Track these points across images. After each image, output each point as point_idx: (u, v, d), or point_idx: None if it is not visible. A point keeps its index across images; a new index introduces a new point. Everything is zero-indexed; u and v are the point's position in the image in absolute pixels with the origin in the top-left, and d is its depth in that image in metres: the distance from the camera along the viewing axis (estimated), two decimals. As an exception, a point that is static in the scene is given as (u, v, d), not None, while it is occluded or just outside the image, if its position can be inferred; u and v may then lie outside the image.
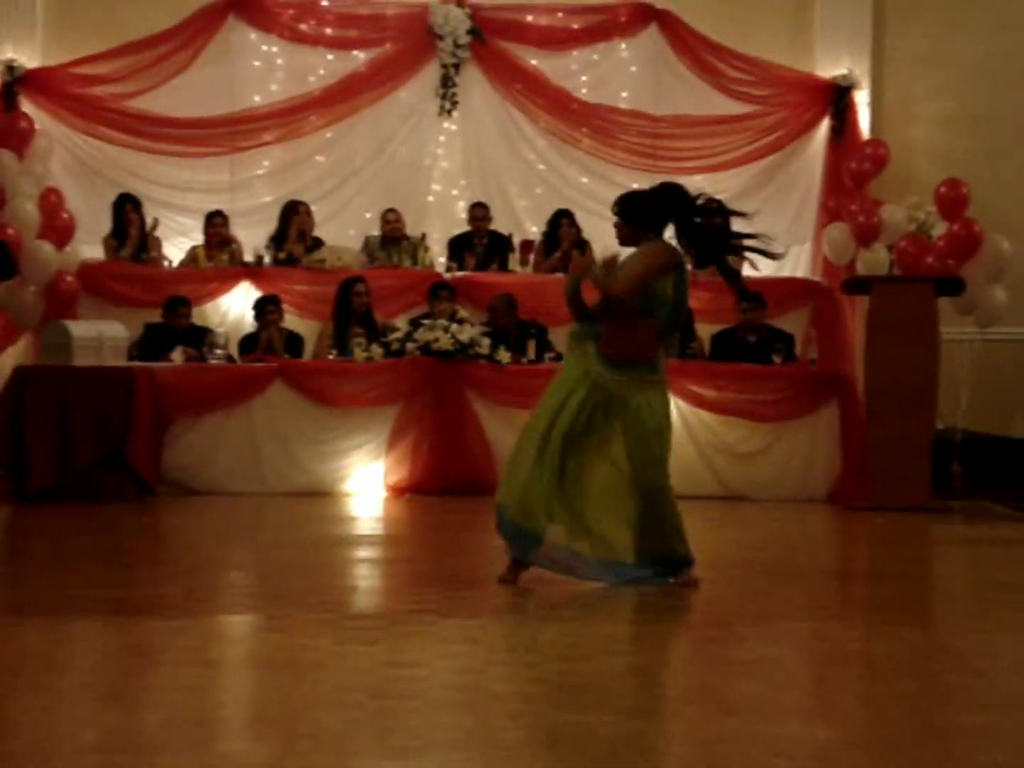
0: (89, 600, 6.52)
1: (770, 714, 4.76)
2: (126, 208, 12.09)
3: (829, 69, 12.83)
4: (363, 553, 8.22)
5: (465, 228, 12.57)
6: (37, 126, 12.31)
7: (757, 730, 4.53)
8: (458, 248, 12.42)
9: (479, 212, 12.50)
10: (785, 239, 12.70)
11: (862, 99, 12.81)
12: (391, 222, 12.37)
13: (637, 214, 6.87)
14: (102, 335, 10.61)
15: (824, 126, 12.84)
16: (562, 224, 12.26)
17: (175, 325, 11.23)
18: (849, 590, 7.64)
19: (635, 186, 12.42)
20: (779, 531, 9.44)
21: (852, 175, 12.35)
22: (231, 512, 9.81)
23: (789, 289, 12.06)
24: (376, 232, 12.50)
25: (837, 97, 12.74)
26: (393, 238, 12.32)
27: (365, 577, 7.60)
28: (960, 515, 10.08)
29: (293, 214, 12.25)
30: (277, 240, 12.23)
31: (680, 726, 4.55)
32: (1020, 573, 8.06)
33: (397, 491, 10.56)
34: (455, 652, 5.55)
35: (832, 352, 11.58)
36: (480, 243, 12.45)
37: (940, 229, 11.51)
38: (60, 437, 10.12)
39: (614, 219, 6.93)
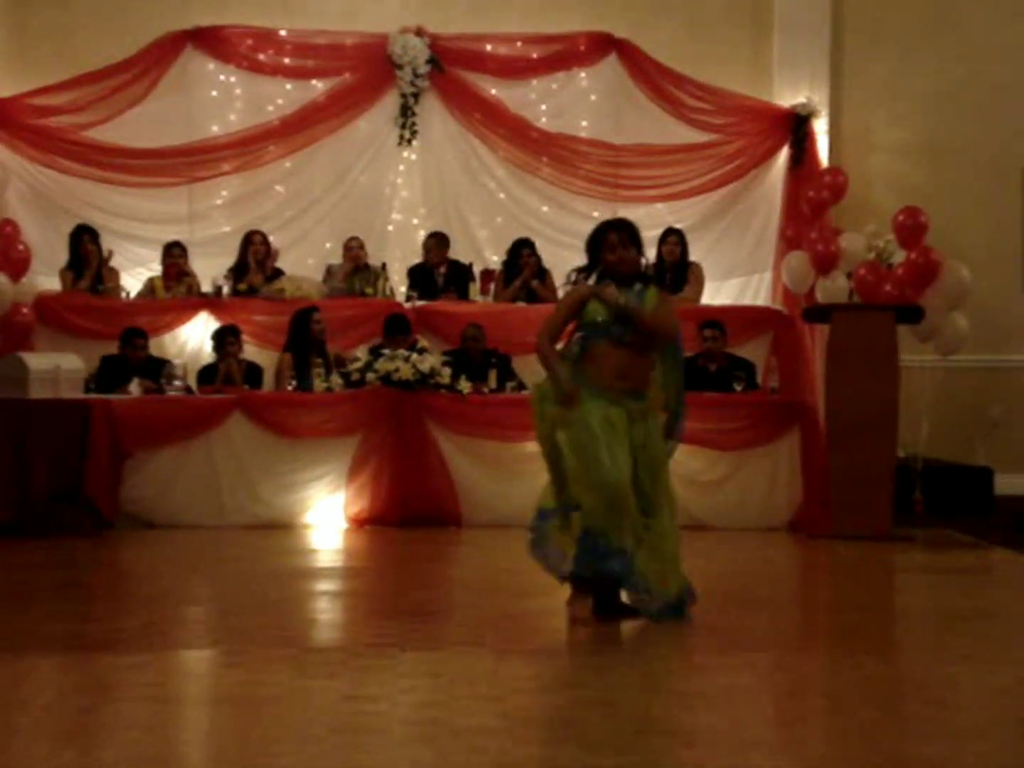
0: (46, 636, 6.47)
1: (732, 746, 4.75)
2: (83, 239, 12.03)
3: (788, 98, 12.89)
4: (323, 586, 8.17)
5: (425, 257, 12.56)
6: (-8, 157, 12.29)
7: (719, 763, 4.52)
8: (418, 278, 12.39)
9: (431, 243, 12.49)
10: (745, 267, 12.89)
11: (821, 128, 12.88)
12: (353, 249, 12.34)
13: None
14: (58, 368, 10.53)
15: (783, 155, 12.89)
16: (522, 253, 12.26)
17: (132, 357, 11.15)
18: (811, 620, 7.65)
19: (596, 214, 12.58)
20: (741, 560, 9.42)
21: (811, 203, 12.40)
22: (190, 545, 9.73)
23: (749, 317, 12.09)
24: (337, 261, 12.47)
25: (796, 126, 12.79)
26: (355, 266, 12.29)
27: (325, 610, 7.54)
28: (922, 543, 10.08)
29: (250, 244, 12.22)
30: (237, 270, 12.19)
31: (642, 759, 4.52)
32: (982, 601, 8.06)
33: (358, 522, 10.50)
34: (415, 686, 5.52)
35: (793, 380, 11.59)
36: (438, 272, 12.43)
37: (899, 257, 11.56)
38: (17, 471, 10.02)
39: (620, 249, 6.84)
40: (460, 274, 12.43)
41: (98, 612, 7.34)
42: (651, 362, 6.87)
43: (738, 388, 10.96)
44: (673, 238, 12.14)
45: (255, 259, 12.20)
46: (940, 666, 6.06)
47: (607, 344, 6.77)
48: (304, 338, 11.29)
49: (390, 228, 12.91)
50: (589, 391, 6.73)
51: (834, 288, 11.87)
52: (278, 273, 12.22)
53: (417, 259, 12.61)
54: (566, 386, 6.72)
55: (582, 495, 6.71)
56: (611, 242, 6.85)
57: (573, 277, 7.04)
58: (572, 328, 6.95)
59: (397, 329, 11.39)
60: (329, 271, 12.46)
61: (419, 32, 12.81)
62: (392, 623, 6.83)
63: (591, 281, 6.91)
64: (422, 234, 12.73)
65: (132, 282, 12.33)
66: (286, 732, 4.80)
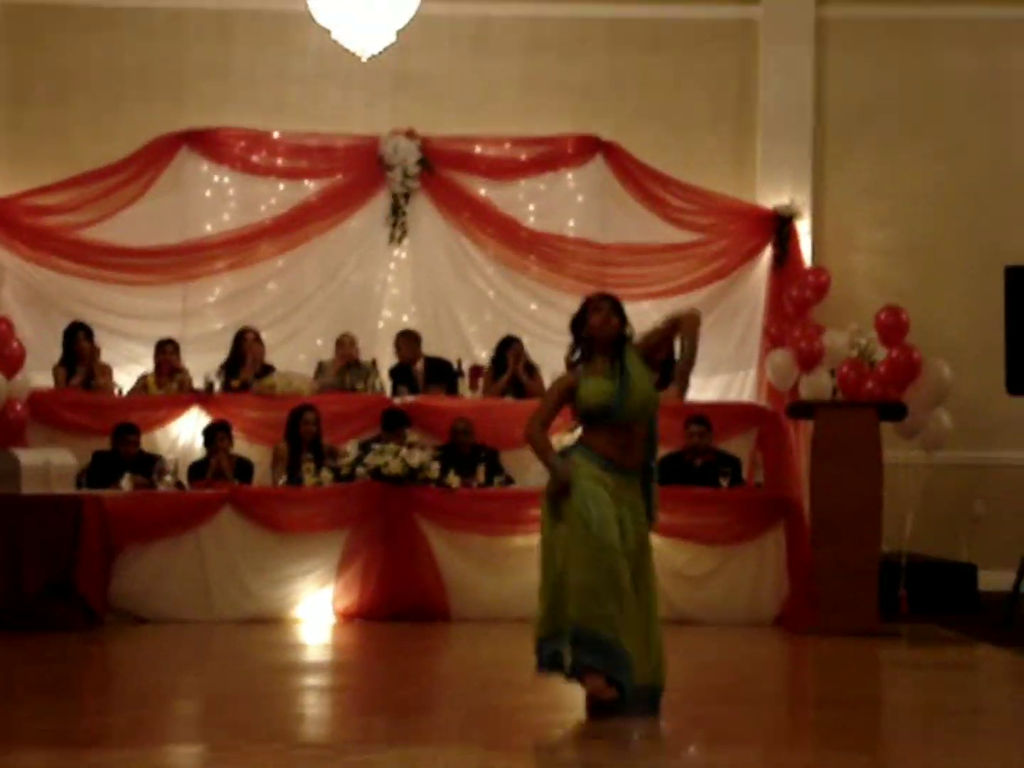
0: (35, 732, 6.47)
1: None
2: (78, 336, 12.13)
3: (771, 199, 13.06)
4: (311, 680, 8.18)
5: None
6: (-12, 256, 12.43)
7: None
8: (400, 376, 12.47)
9: (401, 342, 12.61)
10: (730, 365, 12.99)
11: (804, 228, 13.03)
12: (345, 345, 12.44)
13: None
14: (50, 463, 10.58)
15: (767, 254, 13.05)
16: (510, 350, 12.36)
17: (124, 452, 11.21)
18: (798, 715, 7.66)
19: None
20: (727, 655, 9.44)
21: (794, 302, 12.55)
22: (179, 640, 9.74)
23: (735, 413, 12.18)
24: (328, 357, 12.57)
25: (779, 226, 12.96)
26: (347, 362, 12.39)
27: (313, 705, 7.55)
28: (907, 639, 10.11)
29: (243, 341, 12.33)
30: (229, 367, 12.28)
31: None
32: (967, 697, 8.08)
33: (346, 617, 10.52)
34: (403, 782, 5.54)
35: (778, 475, 11.67)
36: (415, 370, 12.50)
37: (881, 355, 11.67)
38: (8, 566, 10.04)
39: (603, 318, 6.93)
40: (440, 370, 12.51)
41: (87, 707, 7.34)
42: (646, 431, 6.94)
43: (724, 483, 11.03)
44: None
45: (251, 357, 12.28)
46: (927, 761, 6.05)
47: (606, 426, 6.85)
48: (295, 435, 11.37)
49: (380, 325, 13.01)
50: (585, 457, 6.81)
51: (818, 385, 11.98)
52: (269, 369, 12.31)
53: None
54: (560, 474, 6.79)
55: (575, 572, 6.65)
56: (595, 305, 6.95)
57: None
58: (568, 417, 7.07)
59: (397, 422, 11.46)
60: (320, 367, 12.55)
61: (410, 134, 12.99)
62: (379, 718, 6.85)
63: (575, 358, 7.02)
64: (400, 332, 12.82)
65: (125, 378, 12.40)
66: (274, 828, 4.82)
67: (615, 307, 6.97)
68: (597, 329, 6.92)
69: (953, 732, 6.84)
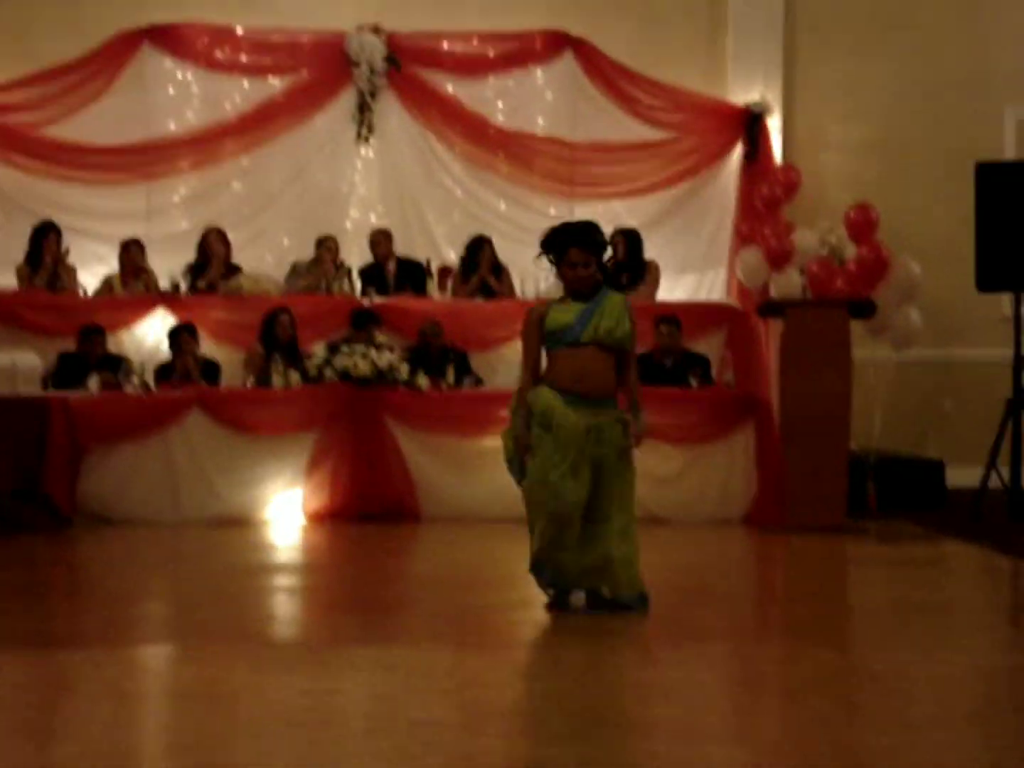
0: (4, 632, 6.47)
1: (687, 737, 4.80)
2: (49, 236, 12.00)
3: (741, 96, 12.99)
4: (281, 581, 8.20)
5: (379, 255, 12.60)
6: (-51, 156, 12.26)
7: (674, 753, 4.57)
8: (370, 276, 12.41)
9: (376, 238, 12.52)
10: (700, 264, 12.97)
11: (774, 125, 12.98)
12: (333, 250, 12.34)
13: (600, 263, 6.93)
14: (16, 365, 10.52)
15: (737, 152, 12.99)
16: (479, 249, 12.30)
17: (90, 354, 11.14)
18: (766, 612, 7.71)
19: (552, 211, 12.66)
20: (696, 554, 9.50)
21: (764, 200, 12.50)
22: (148, 541, 9.74)
23: (704, 313, 12.16)
24: (297, 258, 12.48)
25: (750, 123, 12.89)
26: (329, 265, 12.31)
27: (282, 606, 7.57)
28: (875, 535, 10.19)
29: (207, 241, 12.24)
30: (196, 268, 12.19)
31: (597, 750, 4.57)
32: (935, 593, 8.14)
33: (316, 518, 10.53)
34: (372, 679, 5.57)
35: (748, 375, 11.67)
36: (387, 269, 12.45)
37: (851, 253, 11.67)
38: (-26, 469, 10.02)
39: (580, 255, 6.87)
40: (410, 271, 12.45)
41: (57, 608, 7.36)
42: (612, 364, 6.88)
43: (693, 383, 11.04)
44: (619, 237, 12.07)
45: (215, 256, 12.20)
46: (894, 657, 6.11)
47: (566, 348, 6.83)
48: (271, 338, 11.30)
49: (348, 225, 12.93)
50: (554, 394, 6.80)
51: (788, 284, 11.97)
52: (236, 270, 12.23)
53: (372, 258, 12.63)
54: (520, 439, 6.86)
55: (536, 520, 6.87)
56: (571, 260, 6.83)
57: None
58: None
59: (366, 320, 11.40)
60: (294, 268, 12.46)
61: (376, 29, 12.83)
62: (349, 618, 6.87)
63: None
64: (375, 229, 12.74)
65: (90, 279, 12.29)
66: (243, 726, 4.84)
67: (594, 253, 6.85)
68: (572, 284, 6.88)
69: (920, 627, 6.92)
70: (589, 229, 6.95)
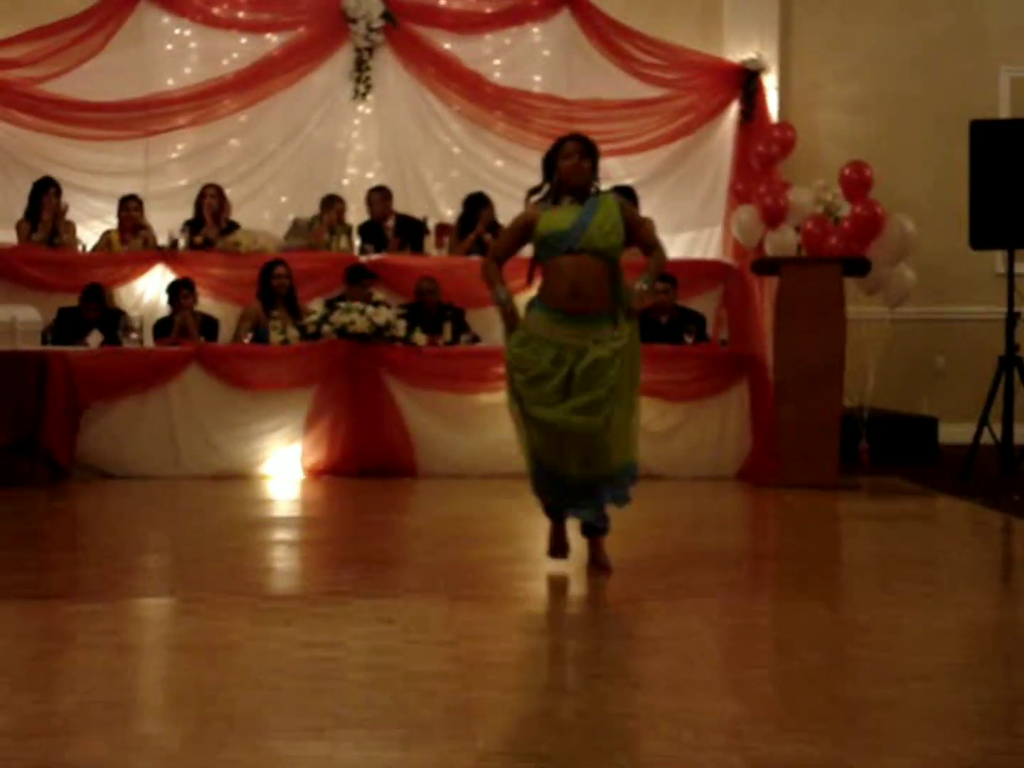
0: (3, 584, 6.53)
1: (679, 689, 4.87)
2: (49, 192, 12.01)
3: (738, 53, 12.96)
4: (279, 535, 8.25)
5: (378, 213, 12.61)
6: (-53, 111, 12.25)
7: (666, 705, 4.64)
8: (369, 233, 12.44)
9: (375, 197, 12.52)
10: (695, 222, 12.99)
11: (770, 83, 12.96)
12: (341, 211, 12.37)
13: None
14: (15, 319, 10.54)
15: (733, 110, 12.97)
16: (476, 207, 12.31)
17: (89, 311, 11.18)
18: (758, 566, 7.75)
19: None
20: (690, 509, 9.55)
21: (760, 158, 12.51)
22: (147, 496, 9.79)
23: (700, 270, 12.20)
24: (297, 215, 12.50)
25: (746, 81, 12.87)
26: (330, 224, 12.33)
27: (281, 559, 7.63)
28: (867, 491, 10.23)
29: (204, 197, 12.27)
30: (193, 224, 12.21)
31: (591, 702, 4.64)
32: (925, 548, 8.21)
33: (314, 473, 10.59)
34: (370, 632, 5.62)
35: (742, 332, 11.71)
36: (386, 227, 12.47)
37: (846, 211, 11.68)
38: (-27, 422, 10.07)
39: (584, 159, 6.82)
40: (410, 228, 12.47)
41: (57, 561, 7.39)
42: (607, 273, 6.67)
43: (688, 340, 11.08)
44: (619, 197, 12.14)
45: (209, 213, 12.23)
46: (884, 610, 6.17)
47: (560, 258, 6.64)
48: (268, 291, 11.35)
49: (345, 182, 12.91)
50: (542, 315, 6.66)
51: (783, 241, 11.99)
52: (234, 226, 12.25)
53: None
54: (505, 306, 6.71)
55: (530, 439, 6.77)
56: (568, 151, 6.71)
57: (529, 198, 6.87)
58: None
59: (361, 274, 11.45)
60: (295, 224, 12.48)
61: (373, -14, 12.83)
62: (347, 571, 6.92)
63: (535, 199, 6.82)
64: (372, 187, 12.75)
65: (88, 235, 12.32)
66: (242, 678, 4.89)
67: (588, 151, 6.76)
68: (567, 174, 6.72)
69: (910, 582, 6.95)
70: (585, 135, 6.93)
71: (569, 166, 6.72)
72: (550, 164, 6.81)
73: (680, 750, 4.11)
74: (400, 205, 12.63)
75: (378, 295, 11.31)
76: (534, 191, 6.86)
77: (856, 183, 11.56)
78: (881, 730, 4.35)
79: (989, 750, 4.21)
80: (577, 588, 6.55)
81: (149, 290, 11.91)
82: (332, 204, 12.37)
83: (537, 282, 6.87)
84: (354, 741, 4.19)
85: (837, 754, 4.09)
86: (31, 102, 12.58)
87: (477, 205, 12.34)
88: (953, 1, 13.31)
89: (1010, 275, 10.97)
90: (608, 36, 12.92)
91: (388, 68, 12.96)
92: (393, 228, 12.44)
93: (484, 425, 10.48)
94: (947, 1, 13.31)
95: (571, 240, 6.62)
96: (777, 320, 10.58)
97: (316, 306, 11.19)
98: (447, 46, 12.97)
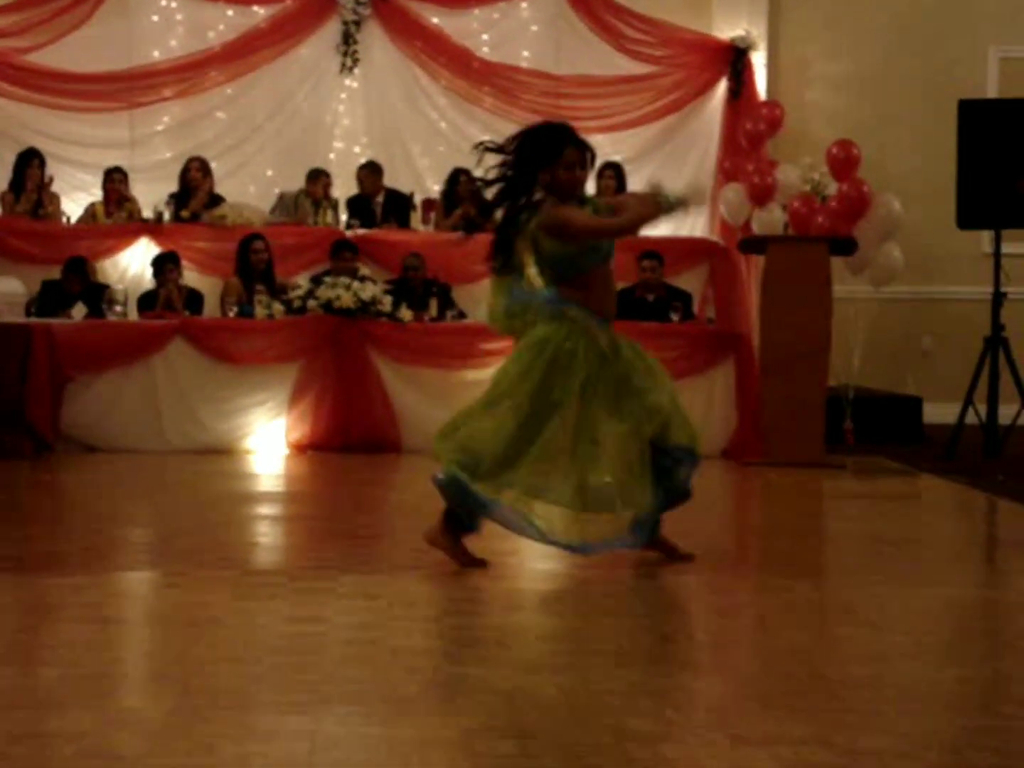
0: (-12, 557, 6.51)
1: (664, 666, 4.88)
2: (32, 163, 11.95)
3: (727, 30, 12.96)
4: (263, 510, 8.25)
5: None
6: (-69, 81, 12.19)
7: (650, 682, 4.64)
8: (357, 207, 12.41)
9: (364, 173, 12.50)
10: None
11: (759, 61, 12.96)
12: (325, 186, 12.32)
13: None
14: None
15: (722, 87, 12.97)
16: (461, 182, 12.28)
17: (72, 284, 11.14)
18: (743, 544, 7.78)
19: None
20: (675, 487, 9.54)
21: (748, 136, 12.50)
22: (131, 469, 9.78)
23: (687, 248, 12.20)
24: (282, 188, 12.46)
25: (734, 58, 12.87)
26: (316, 199, 12.30)
27: (265, 534, 7.62)
28: (852, 470, 10.25)
29: (188, 171, 12.23)
30: (179, 197, 12.17)
31: (575, 679, 4.63)
32: (909, 527, 8.23)
33: (298, 448, 10.58)
34: (354, 607, 5.61)
35: (729, 310, 11.73)
36: (375, 202, 12.44)
37: (833, 190, 11.69)
38: (-44, 394, 10.04)
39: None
40: (398, 203, 12.45)
41: (40, 534, 7.39)
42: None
43: (675, 318, 11.08)
44: (609, 172, 12.17)
45: (192, 186, 12.18)
46: (868, 589, 6.17)
47: (602, 266, 6.29)
48: (246, 266, 11.33)
49: (332, 156, 12.90)
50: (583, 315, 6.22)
51: (770, 220, 11.99)
52: (219, 200, 12.21)
53: (357, 189, 12.61)
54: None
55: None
56: (568, 160, 6.16)
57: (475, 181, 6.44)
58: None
59: (344, 246, 11.42)
60: (281, 198, 12.45)
61: (361, -41, 12.77)
62: (331, 546, 6.92)
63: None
64: (364, 163, 12.72)
65: (73, 207, 12.29)
66: (224, 652, 4.87)
67: (589, 162, 6.31)
68: (566, 185, 6.19)
69: (895, 560, 6.98)
70: (582, 138, 6.39)
71: (570, 178, 6.19)
72: (537, 161, 6.22)
73: (663, 727, 4.11)
74: (387, 180, 12.62)
75: (364, 270, 11.29)
76: (504, 183, 6.31)
77: (843, 162, 11.55)
78: (864, 708, 4.35)
79: (972, 728, 4.22)
80: (560, 565, 6.54)
81: (134, 263, 11.89)
82: (317, 178, 12.34)
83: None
84: (337, 716, 4.18)
85: (820, 731, 4.09)
86: (16, 73, 12.56)
87: (461, 180, 12.29)
88: (943, -22, 13.31)
89: (996, 255, 10.97)
90: (597, 12, 12.90)
91: (375, 42, 12.93)
92: (383, 204, 12.40)
93: (468, 401, 10.45)
94: (937, -23, 13.31)
95: (609, 246, 6.34)
96: (763, 299, 10.59)
97: (302, 281, 11.16)
98: (435, 20, 12.95)
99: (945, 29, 13.25)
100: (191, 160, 12.30)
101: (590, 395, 6.18)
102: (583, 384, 6.17)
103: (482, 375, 10.49)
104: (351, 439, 10.57)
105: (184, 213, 12.04)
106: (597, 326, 6.25)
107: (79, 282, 11.15)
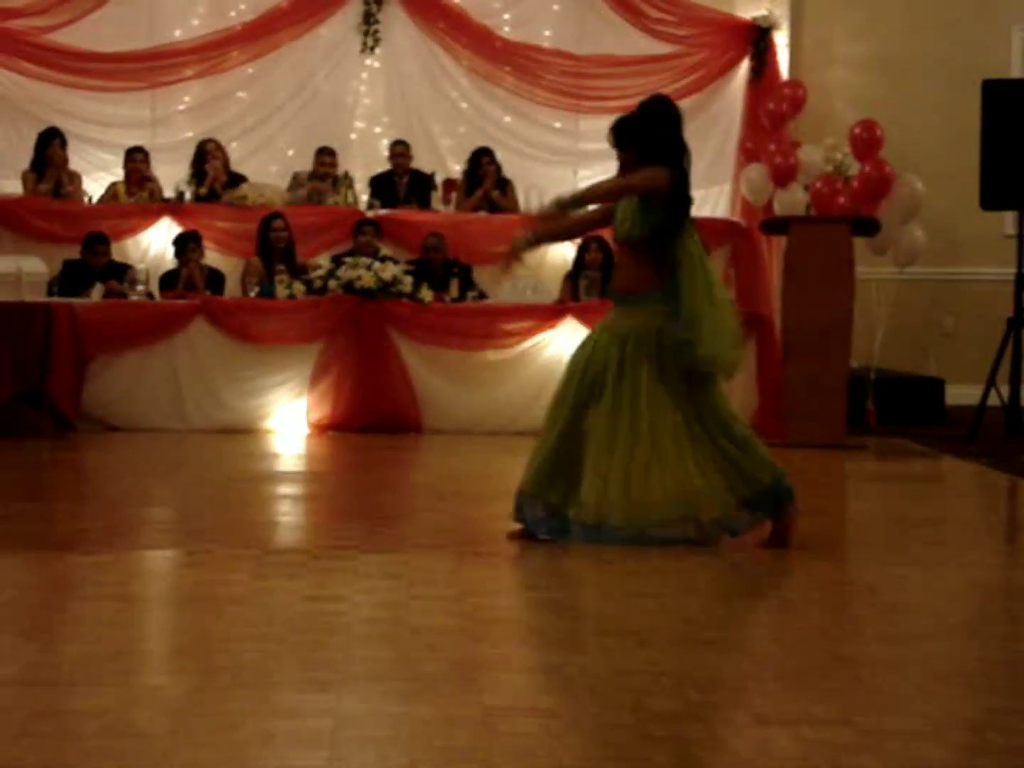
0: (9, 535, 6.53)
1: (686, 645, 4.87)
2: (53, 142, 11.96)
3: (749, 10, 12.88)
4: (285, 489, 8.26)
5: (387, 166, 12.55)
6: (-46, 60, 12.20)
7: (671, 661, 4.64)
8: (380, 186, 12.40)
9: (399, 149, 12.49)
10: (705, 180, 12.89)
11: (781, 40, 12.88)
12: (326, 164, 12.33)
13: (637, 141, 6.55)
14: (21, 270, 10.51)
15: (744, 67, 12.90)
16: (483, 162, 12.27)
17: (93, 263, 11.15)
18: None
19: (558, 125, 12.67)
20: (697, 468, 9.53)
21: (770, 116, 12.43)
22: (152, 448, 9.80)
23: (708, 229, 12.02)
24: (301, 168, 12.46)
25: (757, 38, 12.80)
26: (323, 177, 12.28)
27: (286, 513, 7.64)
28: (873, 452, 10.23)
29: (203, 152, 12.22)
30: (199, 177, 12.17)
31: (596, 658, 4.64)
32: (930, 508, 8.23)
33: (319, 428, 10.58)
34: (375, 587, 5.63)
35: (750, 291, 11.68)
36: (401, 181, 12.44)
37: (855, 170, 11.63)
38: (-22, 373, 10.06)
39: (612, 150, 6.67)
40: (421, 184, 12.44)
41: (62, 512, 7.41)
42: (639, 259, 6.45)
43: (696, 299, 11.03)
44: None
45: (210, 167, 12.16)
46: (889, 570, 6.17)
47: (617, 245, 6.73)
48: (267, 245, 11.33)
49: (353, 136, 12.88)
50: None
51: (792, 200, 11.92)
52: (240, 179, 12.21)
53: (380, 168, 12.60)
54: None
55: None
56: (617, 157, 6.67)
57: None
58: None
59: (366, 223, 11.43)
60: (295, 178, 12.45)
61: (382, -62, 12.74)
62: (353, 526, 6.93)
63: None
64: (385, 143, 12.71)
65: (94, 186, 12.30)
66: (246, 631, 4.89)
67: (623, 143, 6.60)
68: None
69: (915, 541, 6.98)
70: (614, 126, 6.64)
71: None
72: (676, 132, 6.65)
73: (685, 707, 4.11)
74: (407, 159, 12.61)
75: (385, 250, 11.29)
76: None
77: (866, 142, 11.50)
78: (886, 689, 4.35)
79: (994, 710, 4.21)
80: (581, 547, 6.53)
81: (155, 243, 11.89)
82: (320, 156, 12.31)
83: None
84: (358, 694, 4.19)
85: (842, 712, 4.09)
86: (38, 52, 12.53)
87: (482, 159, 12.29)
88: (966, -42, 13.23)
89: (1019, 236, 10.92)
90: (618, -9, 12.84)
91: (396, 22, 12.88)
92: (407, 184, 12.39)
93: (490, 382, 10.50)
94: (960, -43, 13.23)
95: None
96: (785, 280, 10.56)
97: (322, 261, 11.15)
98: (456, 0, 12.90)
99: (969, 9, 13.15)
100: (205, 142, 12.24)
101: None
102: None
103: (502, 356, 10.53)
104: (371, 419, 10.57)
105: (202, 190, 12.03)
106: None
107: (103, 252, 11.15)
